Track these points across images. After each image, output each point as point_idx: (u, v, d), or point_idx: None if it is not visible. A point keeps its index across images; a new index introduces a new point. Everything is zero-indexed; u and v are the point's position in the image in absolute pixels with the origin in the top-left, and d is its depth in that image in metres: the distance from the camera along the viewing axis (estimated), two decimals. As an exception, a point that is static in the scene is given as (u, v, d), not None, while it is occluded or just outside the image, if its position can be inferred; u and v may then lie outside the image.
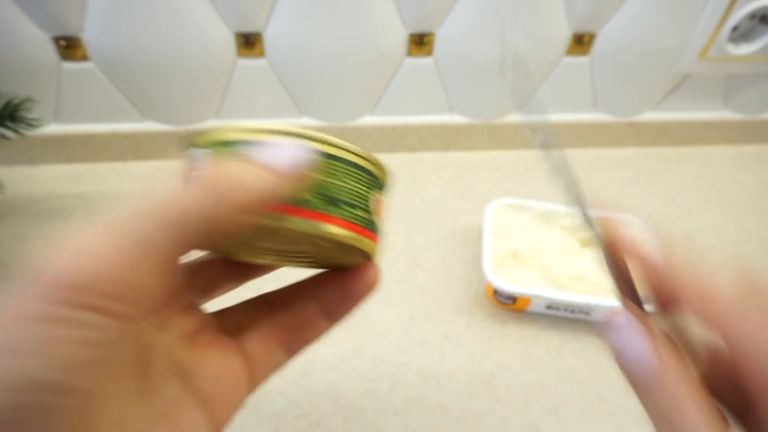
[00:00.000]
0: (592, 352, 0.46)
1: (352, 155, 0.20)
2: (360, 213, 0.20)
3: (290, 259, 0.23)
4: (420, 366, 0.44)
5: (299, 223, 0.18)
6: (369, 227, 0.20)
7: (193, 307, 0.22)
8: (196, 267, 0.23)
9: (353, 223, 0.19)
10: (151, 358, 0.18)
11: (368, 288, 0.21)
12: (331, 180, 0.19)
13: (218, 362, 0.20)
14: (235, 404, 0.21)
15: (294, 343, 0.22)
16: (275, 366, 0.22)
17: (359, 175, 0.20)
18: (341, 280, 0.22)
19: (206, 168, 0.17)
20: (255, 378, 0.22)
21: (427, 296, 0.49)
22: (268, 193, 0.17)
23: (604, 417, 0.42)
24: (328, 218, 0.19)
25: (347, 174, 0.20)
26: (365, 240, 0.20)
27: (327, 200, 0.19)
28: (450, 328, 0.47)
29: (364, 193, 0.20)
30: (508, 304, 0.47)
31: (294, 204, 0.18)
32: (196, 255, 0.24)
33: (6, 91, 0.47)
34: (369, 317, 0.47)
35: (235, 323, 0.23)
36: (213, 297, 0.24)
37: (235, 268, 0.25)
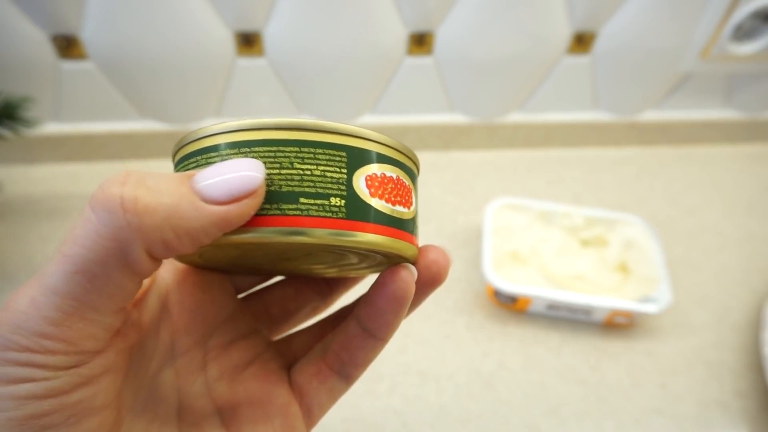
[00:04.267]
0: (592, 352, 0.46)
1: (305, 133, 0.15)
2: (333, 201, 0.15)
3: (350, 269, 0.20)
4: (420, 366, 0.44)
5: (266, 234, 0.15)
6: (354, 216, 0.16)
7: (252, 336, 0.21)
8: (261, 292, 0.22)
9: (318, 216, 0.15)
10: (185, 400, 0.18)
11: (395, 299, 0.17)
12: (291, 172, 0.15)
13: (260, 401, 0.19)
14: None
15: (345, 367, 0.19)
16: (332, 396, 0.20)
17: (325, 154, 0.16)
18: (370, 291, 0.18)
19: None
20: (311, 412, 0.20)
21: (427, 296, 0.49)
22: (205, 224, 0.14)
23: (604, 417, 0.42)
24: (275, 219, 0.15)
25: (305, 158, 0.15)
26: (341, 232, 0.15)
27: (290, 196, 0.15)
28: (450, 328, 0.47)
29: (337, 176, 0.16)
30: (509, 304, 0.47)
31: (268, 212, 0.15)
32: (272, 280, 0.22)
33: (4, 90, 0.47)
34: (369, 317, 0.47)
35: (297, 350, 0.21)
36: (295, 323, 0.22)
37: (310, 288, 0.22)
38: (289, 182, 0.15)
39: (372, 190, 0.16)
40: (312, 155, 0.15)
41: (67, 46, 0.49)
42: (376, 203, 0.16)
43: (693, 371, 0.45)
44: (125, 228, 0.13)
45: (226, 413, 0.19)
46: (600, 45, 0.54)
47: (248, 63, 0.52)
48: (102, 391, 0.15)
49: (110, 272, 0.14)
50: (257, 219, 0.15)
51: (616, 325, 0.47)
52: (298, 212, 0.15)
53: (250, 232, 0.15)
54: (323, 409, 0.20)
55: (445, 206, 0.57)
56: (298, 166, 0.15)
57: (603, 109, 0.62)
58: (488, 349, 0.46)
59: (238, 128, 0.15)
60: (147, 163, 0.58)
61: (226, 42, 0.50)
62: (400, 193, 0.17)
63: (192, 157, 0.16)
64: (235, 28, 0.49)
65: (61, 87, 0.52)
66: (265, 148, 0.15)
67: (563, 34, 0.53)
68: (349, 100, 0.57)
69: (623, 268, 0.48)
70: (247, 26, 0.49)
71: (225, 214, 0.14)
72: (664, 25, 0.53)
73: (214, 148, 0.16)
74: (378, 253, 0.17)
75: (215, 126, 0.16)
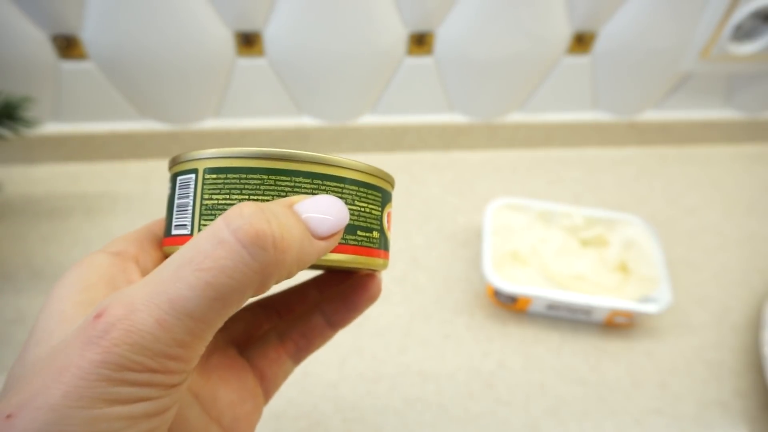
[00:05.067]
0: (592, 352, 0.46)
1: (367, 176, 0.18)
2: (374, 234, 0.19)
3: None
4: (420, 366, 0.44)
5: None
6: (381, 246, 0.19)
7: None
8: None
9: (365, 246, 0.18)
10: None
11: (372, 299, 0.22)
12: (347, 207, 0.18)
13: (235, 386, 0.21)
14: (256, 422, 0.21)
15: (300, 352, 0.23)
16: (285, 376, 0.23)
17: (373, 195, 0.19)
18: (345, 292, 0.22)
19: (244, 218, 0.15)
20: (268, 392, 0.22)
21: (427, 296, 0.49)
22: (313, 260, 0.16)
23: (604, 417, 0.42)
24: (341, 248, 0.18)
25: (361, 196, 0.18)
26: (375, 260, 0.19)
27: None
28: (450, 328, 0.47)
29: (377, 213, 0.19)
30: (509, 305, 0.47)
31: None
32: None
33: (4, 90, 0.47)
34: (369, 317, 0.47)
35: (241, 333, 0.23)
36: None
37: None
38: (357, 217, 0.18)
39: (388, 225, 0.20)
40: (366, 194, 0.18)
41: (67, 46, 0.49)
42: (388, 234, 0.20)
43: (693, 371, 0.45)
44: (272, 264, 0.15)
45: (204, 401, 0.20)
46: (600, 45, 0.54)
47: (248, 63, 0.52)
48: (168, 417, 0.15)
49: (243, 299, 0.15)
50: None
51: (616, 325, 0.47)
52: (356, 242, 0.18)
53: (330, 257, 0.17)
54: (277, 389, 0.23)
55: (445, 206, 0.57)
56: (358, 203, 0.18)
57: (603, 109, 0.62)
58: (488, 349, 0.46)
59: (314, 160, 0.17)
60: (147, 163, 0.58)
61: (226, 42, 0.50)
62: (390, 221, 0.21)
63: (267, 174, 0.17)
64: (235, 28, 0.49)
65: (61, 87, 0.52)
66: (335, 184, 0.17)
67: (563, 34, 0.53)
68: (349, 100, 0.57)
69: (623, 268, 0.48)
70: (247, 26, 0.49)
71: (326, 247, 0.17)
72: (664, 25, 0.53)
73: (293, 173, 0.17)
74: (378, 270, 0.20)
75: (288, 152, 0.17)
